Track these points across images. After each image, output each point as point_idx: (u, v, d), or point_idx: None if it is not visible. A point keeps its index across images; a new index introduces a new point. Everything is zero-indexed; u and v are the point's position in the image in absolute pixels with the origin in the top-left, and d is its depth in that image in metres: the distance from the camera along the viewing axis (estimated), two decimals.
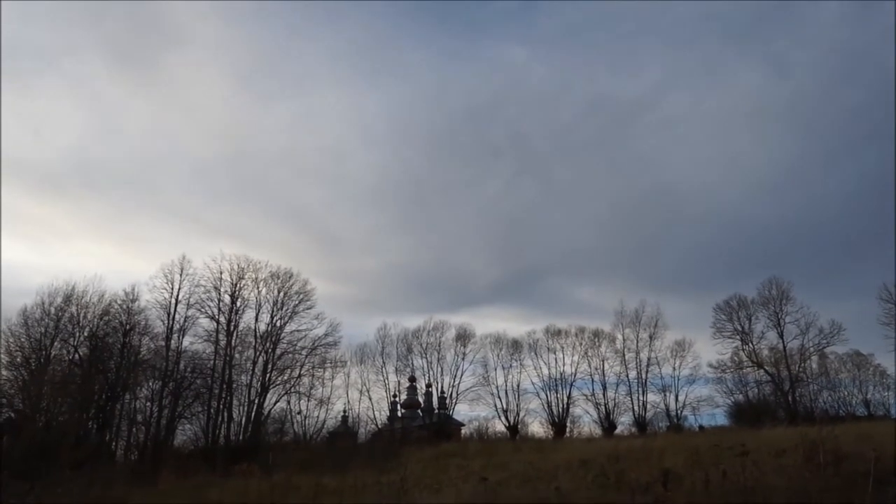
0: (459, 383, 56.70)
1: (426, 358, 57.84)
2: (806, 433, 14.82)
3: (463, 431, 58.89)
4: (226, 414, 45.71)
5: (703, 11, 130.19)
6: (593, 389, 56.54)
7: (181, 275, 46.99)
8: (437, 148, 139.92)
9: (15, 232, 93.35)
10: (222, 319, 47.67)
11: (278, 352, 48.80)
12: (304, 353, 49.86)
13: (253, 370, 47.45)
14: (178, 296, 46.46)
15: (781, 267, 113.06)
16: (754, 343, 54.48)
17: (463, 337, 58.25)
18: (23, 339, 41.75)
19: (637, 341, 57.13)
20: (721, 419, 55.65)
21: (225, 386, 45.84)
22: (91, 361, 42.28)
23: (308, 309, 50.61)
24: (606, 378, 56.74)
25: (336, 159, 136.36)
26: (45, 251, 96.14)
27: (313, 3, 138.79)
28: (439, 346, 57.86)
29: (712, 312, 56.20)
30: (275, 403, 48.69)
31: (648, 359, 56.43)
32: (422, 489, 18.15)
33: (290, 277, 50.90)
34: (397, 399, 60.27)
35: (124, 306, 44.65)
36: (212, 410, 45.30)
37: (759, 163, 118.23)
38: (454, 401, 56.64)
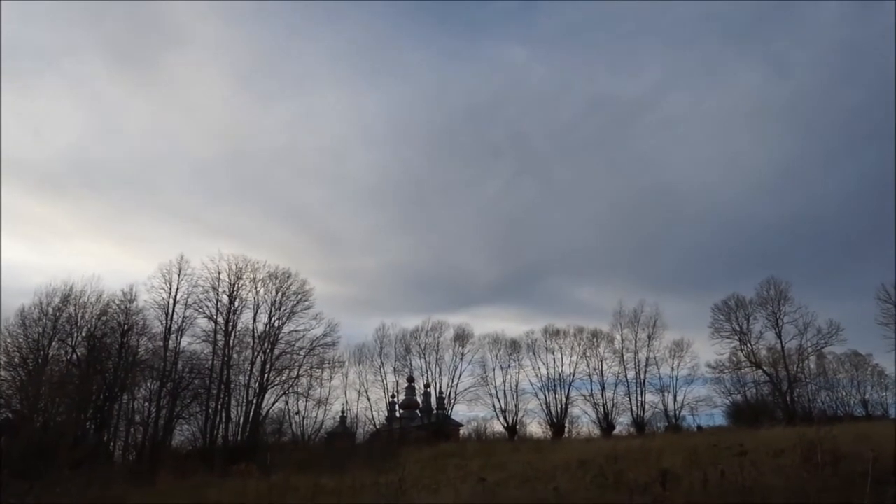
0: (458, 383, 56.85)
1: (424, 358, 57.96)
2: (804, 433, 14.83)
3: (461, 432, 58.95)
4: (224, 414, 45.67)
5: (703, 11, 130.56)
6: (592, 390, 56.70)
7: (179, 275, 46.97)
8: (437, 148, 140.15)
9: (15, 232, 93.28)
10: (220, 320, 47.67)
11: (276, 352, 48.80)
12: (302, 353, 49.84)
13: (251, 370, 47.44)
14: (176, 296, 46.45)
15: (780, 267, 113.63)
16: (752, 343, 54.63)
17: (461, 337, 58.38)
18: (20, 340, 41.70)
19: (636, 341, 57.31)
20: (719, 419, 55.93)
21: (223, 386, 45.77)
22: (89, 362, 42.18)
23: (306, 309, 50.61)
24: (605, 378, 56.94)
25: (336, 159, 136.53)
26: (45, 251, 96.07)
27: (313, 3, 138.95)
28: (438, 346, 57.98)
29: (711, 312, 56.41)
30: (273, 404, 48.72)
31: (647, 359, 56.64)
32: (420, 489, 18.12)
33: (288, 277, 50.91)
34: (395, 399, 60.29)
35: (122, 306, 44.63)
36: (210, 411, 45.24)
37: (759, 163, 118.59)
38: (452, 401, 56.75)
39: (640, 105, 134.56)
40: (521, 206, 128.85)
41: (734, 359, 55.18)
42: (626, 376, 56.42)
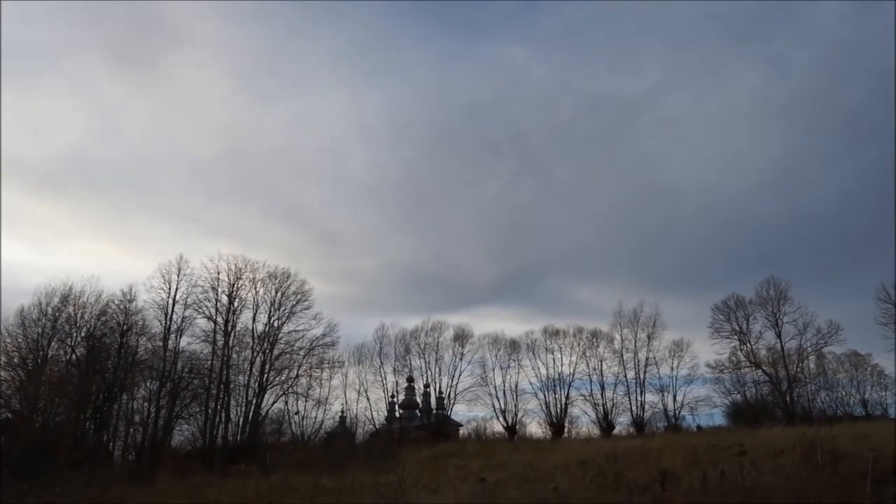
0: (457, 383, 56.83)
1: (424, 358, 57.95)
2: (804, 433, 14.83)
3: (461, 432, 58.91)
4: (223, 414, 45.64)
5: (703, 11, 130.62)
6: (591, 390, 56.70)
7: (178, 275, 46.95)
8: (436, 148, 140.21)
9: (15, 232, 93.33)
10: (220, 320, 47.64)
11: (276, 352, 48.79)
12: (301, 353, 49.83)
13: (250, 370, 47.41)
14: (175, 296, 46.42)
15: (780, 267, 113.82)
16: (752, 343, 54.63)
17: (461, 337, 58.36)
18: (20, 340, 41.64)
19: (635, 341, 57.30)
20: (719, 419, 55.89)
21: (222, 386, 45.74)
22: (88, 362, 42.14)
23: (306, 309, 50.59)
24: (604, 378, 56.94)
25: (336, 159, 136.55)
26: (45, 251, 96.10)
27: (313, 3, 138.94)
28: (437, 346, 57.97)
29: (710, 312, 56.42)
30: (272, 404, 48.72)
31: (646, 359, 56.63)
32: (420, 489, 18.11)
33: (287, 277, 50.87)
34: (395, 399, 60.25)
35: (122, 306, 44.58)
36: (209, 411, 45.23)
37: (759, 162, 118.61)
38: (452, 401, 56.72)
39: (639, 105, 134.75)
40: (521, 205, 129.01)
41: (734, 359, 55.28)
42: (625, 376, 56.53)
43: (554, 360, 57.48)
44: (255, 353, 47.91)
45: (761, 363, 53.75)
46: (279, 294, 49.98)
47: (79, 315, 43.20)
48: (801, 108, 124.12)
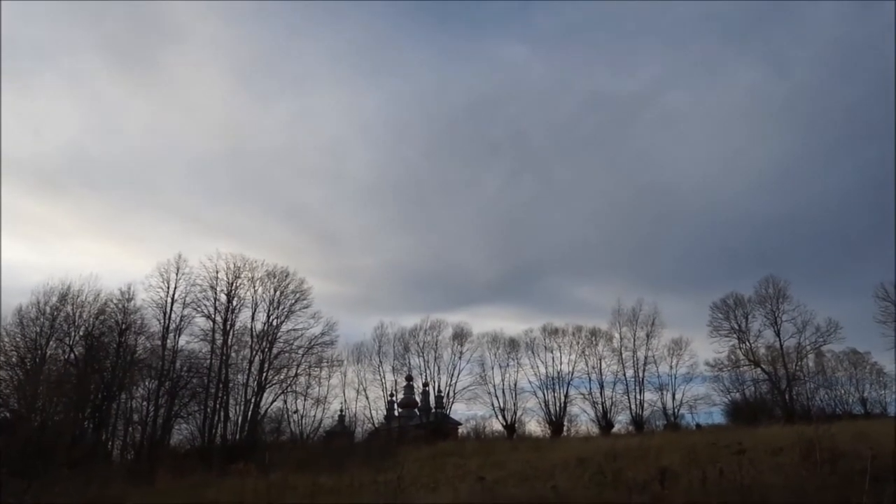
0: (456, 382, 56.72)
1: (423, 357, 57.88)
2: (803, 431, 14.86)
3: (460, 430, 58.87)
4: (222, 413, 45.60)
5: (703, 11, 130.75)
6: (590, 388, 56.69)
7: (177, 274, 46.84)
8: (436, 147, 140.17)
9: (15, 232, 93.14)
10: (218, 318, 47.53)
11: (275, 351, 48.73)
12: (300, 352, 49.77)
13: (249, 369, 47.35)
14: (174, 295, 46.32)
15: (779, 265, 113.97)
16: (751, 341, 54.62)
17: (460, 336, 58.29)
18: (18, 339, 41.49)
19: (634, 340, 57.29)
20: (718, 417, 55.92)
21: (221, 385, 45.68)
22: (87, 361, 42.06)
23: (305, 308, 50.46)
24: (603, 377, 56.91)
25: (335, 158, 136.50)
26: (45, 251, 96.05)
27: (313, 3, 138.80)
28: (436, 344, 57.89)
29: (709, 311, 56.39)
30: (271, 403, 48.71)
31: (645, 357, 56.62)
32: (419, 488, 18.11)
33: (286, 276, 50.78)
34: (394, 398, 60.27)
35: (120, 305, 44.46)
36: (208, 410, 45.16)
37: (758, 161, 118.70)
38: (451, 400, 56.65)
39: (639, 103, 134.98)
40: (521, 204, 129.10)
41: (733, 357, 55.28)
42: (624, 375, 56.52)
43: (553, 358, 57.59)
44: (254, 352, 47.90)
45: (760, 361, 53.80)
46: (278, 293, 49.97)
47: (77, 314, 43.11)
48: (800, 106, 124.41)
